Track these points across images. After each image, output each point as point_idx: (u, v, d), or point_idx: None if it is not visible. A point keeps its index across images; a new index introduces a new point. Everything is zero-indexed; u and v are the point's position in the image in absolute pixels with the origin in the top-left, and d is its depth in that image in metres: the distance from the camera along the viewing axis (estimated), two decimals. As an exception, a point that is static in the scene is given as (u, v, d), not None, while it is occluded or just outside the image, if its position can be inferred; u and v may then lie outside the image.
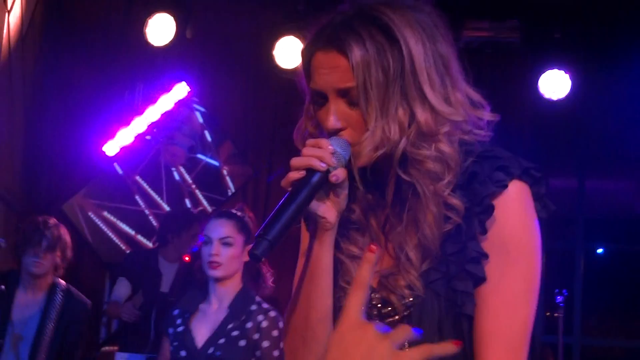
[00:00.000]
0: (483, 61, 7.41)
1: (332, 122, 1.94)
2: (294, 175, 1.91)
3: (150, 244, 8.17)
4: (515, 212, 1.94)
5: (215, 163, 8.66)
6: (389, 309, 2.01)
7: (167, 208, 8.36)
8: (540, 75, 7.56)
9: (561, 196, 8.90)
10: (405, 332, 1.57)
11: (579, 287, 8.70)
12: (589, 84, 7.64)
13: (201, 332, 4.55)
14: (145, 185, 8.53)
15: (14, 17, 7.33)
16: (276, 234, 1.85)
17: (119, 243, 8.36)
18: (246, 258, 4.54)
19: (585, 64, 7.59)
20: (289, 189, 1.91)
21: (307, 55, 1.99)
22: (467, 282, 1.92)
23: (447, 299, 1.94)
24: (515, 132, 7.68)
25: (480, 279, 1.91)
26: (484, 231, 1.92)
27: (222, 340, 4.47)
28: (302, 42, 7.48)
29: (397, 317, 1.99)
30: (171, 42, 7.63)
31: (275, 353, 4.42)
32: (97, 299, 7.35)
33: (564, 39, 7.56)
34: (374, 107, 1.89)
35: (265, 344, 4.42)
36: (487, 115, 2.01)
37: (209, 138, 8.66)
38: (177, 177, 8.65)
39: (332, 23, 1.95)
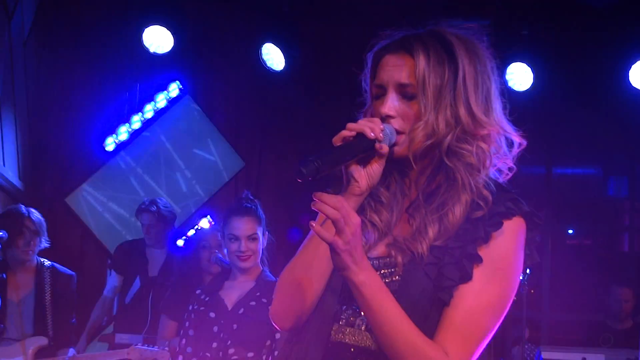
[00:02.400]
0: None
1: (387, 108, 2.17)
2: (346, 133, 2.10)
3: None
4: (512, 240, 2.14)
5: (211, 157, 8.77)
6: (387, 270, 2.17)
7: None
8: (506, 68, 7.58)
9: (530, 182, 8.98)
10: None
11: (547, 267, 8.77)
12: (550, 77, 7.69)
13: (230, 298, 4.65)
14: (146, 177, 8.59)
15: (15, 23, 7.34)
16: (323, 163, 1.98)
17: (120, 230, 8.39)
18: (264, 245, 4.72)
19: (547, 58, 7.64)
20: (339, 144, 2.09)
21: (377, 57, 2.25)
22: (455, 272, 2.09)
23: (435, 282, 2.09)
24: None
25: (467, 275, 2.08)
26: (487, 239, 2.11)
27: (252, 303, 4.58)
28: (281, 49, 7.68)
29: (394, 277, 2.15)
30: (167, 49, 7.72)
31: None
32: (101, 284, 7.40)
33: (529, 36, 7.62)
34: (429, 102, 2.14)
35: None
36: (515, 137, 2.24)
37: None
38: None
39: (406, 35, 2.22)
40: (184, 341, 4.68)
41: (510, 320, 6.90)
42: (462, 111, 2.15)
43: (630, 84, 7.37)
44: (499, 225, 2.11)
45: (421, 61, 2.14)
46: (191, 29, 7.84)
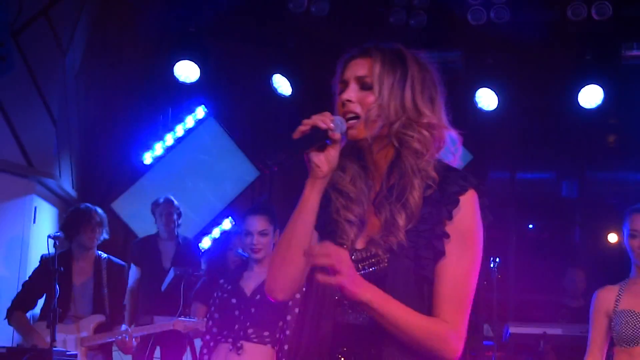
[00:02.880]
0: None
1: (347, 94, 2.20)
2: (303, 128, 2.12)
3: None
4: (471, 211, 2.14)
5: (230, 168, 8.76)
6: (374, 260, 2.14)
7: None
8: (476, 91, 7.62)
9: (498, 185, 9.04)
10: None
11: (512, 255, 8.81)
12: (513, 99, 7.70)
13: (249, 286, 4.63)
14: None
15: (69, 59, 7.40)
16: (286, 154, 2.07)
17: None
18: (276, 240, 4.62)
19: (510, 83, 7.67)
20: (297, 137, 2.11)
21: (346, 61, 2.27)
22: (429, 252, 2.10)
23: (415, 262, 2.10)
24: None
25: (440, 252, 2.09)
26: (450, 217, 2.11)
27: None
28: (288, 78, 7.72)
29: (381, 265, 2.13)
30: (194, 79, 7.78)
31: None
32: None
33: (494, 65, 7.66)
34: (382, 90, 2.16)
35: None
36: (452, 132, 2.25)
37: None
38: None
39: (369, 46, 2.24)
40: (210, 322, 4.68)
41: (483, 301, 6.94)
42: (409, 103, 2.17)
43: (579, 104, 7.44)
44: (457, 202, 2.12)
45: (378, 61, 2.19)
46: (214, 63, 7.89)
